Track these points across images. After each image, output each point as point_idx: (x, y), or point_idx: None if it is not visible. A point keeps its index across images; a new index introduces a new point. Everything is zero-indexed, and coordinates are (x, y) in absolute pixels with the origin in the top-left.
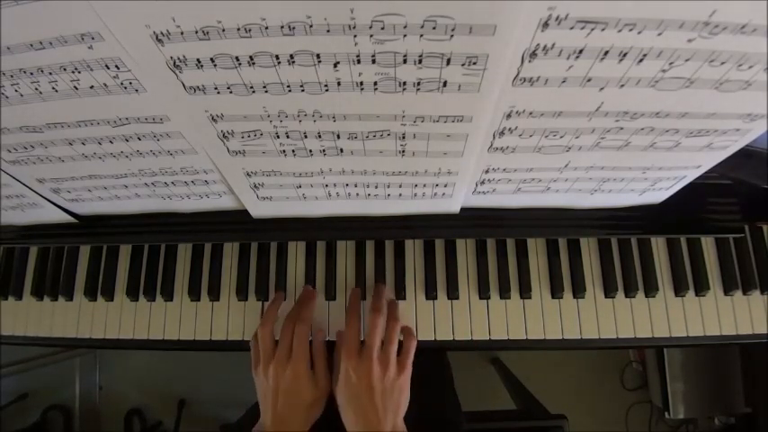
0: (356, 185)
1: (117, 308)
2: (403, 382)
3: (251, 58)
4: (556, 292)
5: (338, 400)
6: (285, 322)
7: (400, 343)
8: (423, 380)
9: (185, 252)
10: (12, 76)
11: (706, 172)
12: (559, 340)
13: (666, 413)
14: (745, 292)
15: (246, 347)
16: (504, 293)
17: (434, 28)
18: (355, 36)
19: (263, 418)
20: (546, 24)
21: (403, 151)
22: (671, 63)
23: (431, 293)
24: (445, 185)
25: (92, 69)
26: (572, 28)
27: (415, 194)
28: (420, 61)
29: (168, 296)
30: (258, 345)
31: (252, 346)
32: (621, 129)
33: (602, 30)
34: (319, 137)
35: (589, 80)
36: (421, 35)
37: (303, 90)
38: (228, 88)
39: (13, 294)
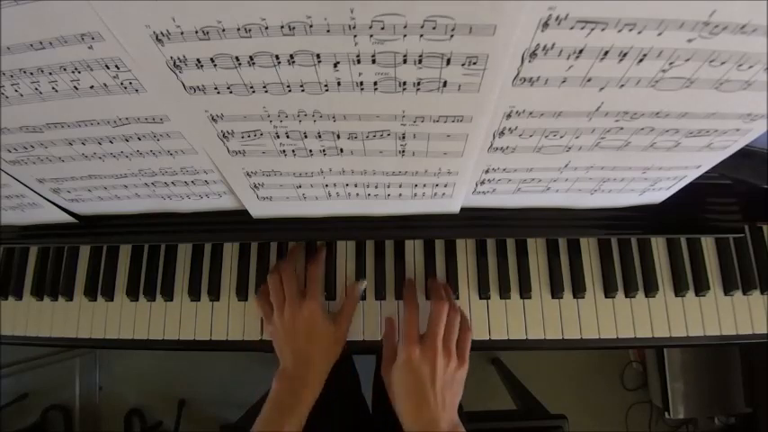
0: (356, 185)
1: (117, 308)
2: (462, 376)
3: (251, 58)
4: (556, 292)
5: (394, 388)
6: (286, 266)
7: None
8: None
9: (185, 252)
10: (12, 76)
11: (706, 172)
12: (559, 340)
13: (666, 413)
14: (745, 292)
15: (247, 348)
16: (504, 293)
17: (434, 28)
18: (355, 36)
19: (284, 363)
20: (546, 24)
21: (403, 151)
22: (671, 63)
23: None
24: (445, 185)
25: (92, 69)
26: (572, 28)
27: (415, 194)
28: (420, 61)
29: (168, 296)
30: (268, 297)
31: (260, 300)
32: (621, 129)
33: (602, 30)
34: (319, 137)
35: (589, 80)
36: (421, 35)
37: (303, 90)
38: (228, 88)
39: (13, 294)
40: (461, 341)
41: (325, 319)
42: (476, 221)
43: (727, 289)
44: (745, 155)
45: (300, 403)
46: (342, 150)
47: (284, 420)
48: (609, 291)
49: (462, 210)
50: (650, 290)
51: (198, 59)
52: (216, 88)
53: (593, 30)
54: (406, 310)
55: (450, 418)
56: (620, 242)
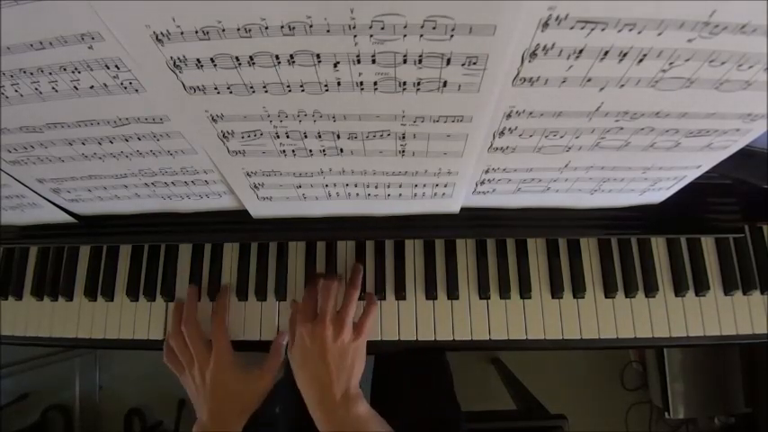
0: (356, 185)
1: (117, 308)
2: (358, 346)
3: (251, 58)
4: (556, 292)
5: (292, 366)
6: (186, 324)
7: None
8: (422, 380)
9: (185, 252)
10: (12, 76)
11: (706, 172)
12: (559, 340)
13: (666, 413)
14: (745, 293)
15: (247, 347)
16: (504, 293)
17: (434, 28)
18: (355, 36)
19: (199, 416)
20: (546, 24)
21: (403, 151)
22: (671, 63)
23: (431, 293)
24: (445, 185)
25: (92, 69)
26: (572, 28)
27: (415, 194)
28: (420, 61)
29: (168, 296)
30: (176, 355)
31: (168, 358)
32: (621, 129)
33: (603, 30)
34: (319, 137)
35: (589, 80)
36: (421, 35)
37: (303, 90)
38: (228, 88)
39: (13, 294)
40: (364, 313)
41: (236, 373)
42: (476, 221)
43: (727, 289)
44: (745, 155)
45: None
46: (342, 150)
47: None
48: (609, 291)
49: (462, 210)
50: (650, 290)
51: (198, 59)
52: (216, 88)
53: (593, 30)
54: (305, 292)
55: (345, 386)
56: (620, 242)
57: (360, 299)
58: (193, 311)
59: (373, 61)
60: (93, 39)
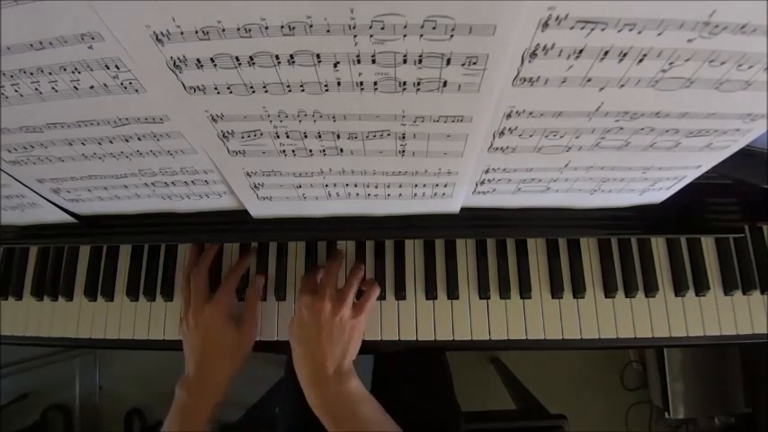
0: (356, 185)
1: (117, 308)
2: (356, 324)
3: (251, 58)
4: (556, 292)
5: (290, 341)
6: (196, 268)
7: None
8: (422, 380)
9: (185, 252)
10: (12, 76)
11: (706, 172)
12: (559, 340)
13: (666, 413)
14: (745, 293)
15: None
16: (504, 293)
17: (434, 28)
18: (355, 36)
19: (186, 369)
20: (546, 24)
21: (403, 151)
22: (671, 63)
23: (431, 293)
24: (445, 185)
25: (92, 69)
26: (572, 28)
27: (415, 194)
28: (420, 61)
29: (168, 296)
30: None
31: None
32: (621, 129)
33: (603, 30)
34: (319, 137)
35: (589, 80)
36: (421, 35)
37: (303, 90)
38: (228, 88)
39: (13, 294)
40: (365, 294)
41: (227, 324)
42: (476, 221)
43: (727, 289)
44: (745, 155)
45: (197, 412)
46: (342, 150)
47: (183, 429)
48: (609, 291)
49: (462, 210)
50: (650, 290)
51: (198, 59)
52: (216, 88)
53: (593, 30)
54: (306, 272)
55: (338, 364)
56: (620, 242)
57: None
58: (207, 261)
59: (373, 61)
60: (93, 39)
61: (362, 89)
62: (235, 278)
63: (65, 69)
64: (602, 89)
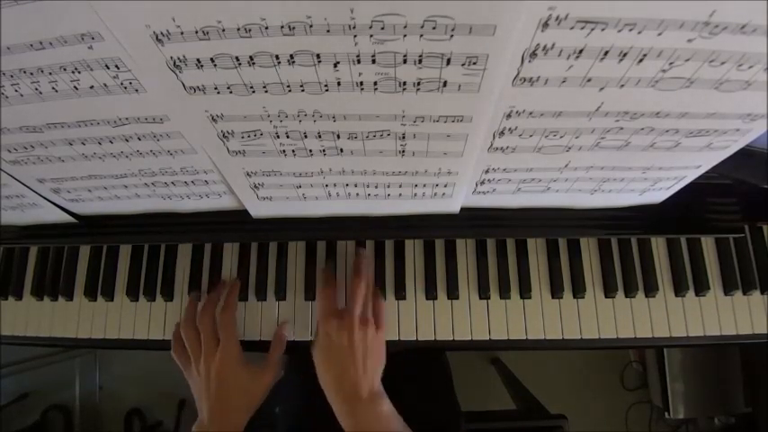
0: (356, 185)
1: (117, 308)
2: (382, 339)
3: (251, 58)
4: (556, 292)
5: (316, 363)
6: (202, 315)
7: None
8: (422, 380)
9: (185, 252)
10: (12, 76)
11: (706, 172)
12: (559, 340)
13: (666, 413)
14: (745, 293)
15: (247, 347)
16: (504, 293)
17: (434, 28)
18: (355, 36)
19: (200, 415)
20: (546, 24)
21: (403, 151)
22: (671, 63)
23: (431, 293)
24: (445, 185)
25: (92, 69)
26: (572, 28)
27: (415, 194)
28: (420, 61)
29: (168, 296)
30: (184, 347)
31: (176, 352)
32: (621, 129)
33: (603, 30)
34: (319, 137)
35: (589, 80)
36: (421, 35)
37: (303, 90)
38: (228, 88)
39: (13, 294)
40: (377, 308)
41: (241, 369)
42: (476, 221)
43: (727, 289)
44: (745, 155)
45: None
46: (342, 150)
47: None
48: (609, 291)
49: (462, 210)
50: (650, 290)
51: (198, 59)
52: (216, 88)
53: (593, 30)
54: (322, 289)
55: (371, 385)
56: (620, 242)
57: None
58: (211, 308)
59: (373, 61)
60: (93, 39)
61: (362, 89)
62: (232, 320)
63: (65, 69)
64: (602, 89)
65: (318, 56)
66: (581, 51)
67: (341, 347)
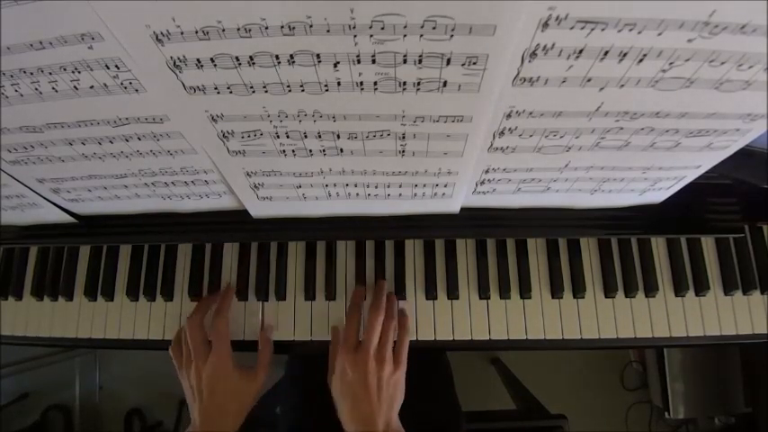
0: (356, 185)
1: (117, 308)
2: (398, 378)
3: (251, 58)
4: (556, 292)
5: (333, 395)
6: (194, 319)
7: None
8: (422, 380)
9: (185, 252)
10: (12, 76)
11: (706, 172)
12: (559, 340)
13: (666, 413)
14: (745, 293)
15: (247, 347)
16: (504, 293)
17: (434, 28)
18: (355, 36)
19: (192, 420)
20: (546, 24)
21: (403, 151)
22: (671, 63)
23: (431, 293)
24: (445, 185)
25: (92, 69)
26: (572, 28)
27: (415, 194)
28: (420, 61)
29: (168, 296)
30: (181, 348)
31: (174, 350)
32: (621, 129)
33: (602, 30)
34: (319, 137)
35: (589, 80)
36: (421, 35)
37: (303, 90)
38: (228, 88)
39: (13, 294)
40: (398, 345)
41: (233, 372)
42: (476, 221)
43: (727, 289)
44: (745, 155)
45: None
46: (342, 150)
47: None
48: (609, 291)
49: (462, 210)
50: (650, 290)
51: (198, 59)
52: (216, 88)
53: (593, 30)
54: (348, 320)
55: (387, 418)
56: (620, 242)
57: None
58: (202, 312)
59: (373, 61)
60: (93, 39)
61: (362, 89)
62: (225, 325)
63: (65, 69)
64: (602, 89)
65: (318, 56)
66: (581, 51)
67: (355, 382)
